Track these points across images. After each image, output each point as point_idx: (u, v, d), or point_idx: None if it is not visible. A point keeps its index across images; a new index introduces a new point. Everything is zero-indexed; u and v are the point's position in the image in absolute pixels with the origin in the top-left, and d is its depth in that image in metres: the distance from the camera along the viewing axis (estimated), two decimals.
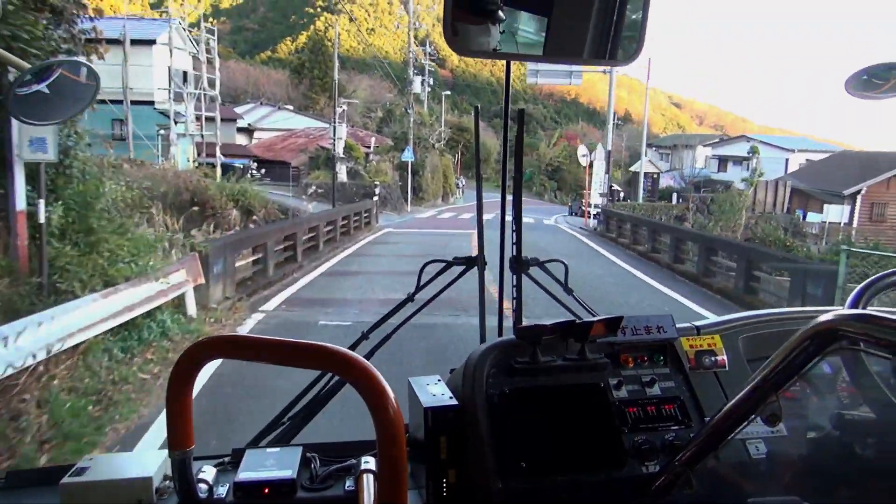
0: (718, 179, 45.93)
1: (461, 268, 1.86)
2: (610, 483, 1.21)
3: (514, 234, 1.78)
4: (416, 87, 34.04)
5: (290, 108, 55.86)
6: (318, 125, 44.81)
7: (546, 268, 1.82)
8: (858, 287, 1.30)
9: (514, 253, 1.78)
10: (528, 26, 1.40)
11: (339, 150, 26.56)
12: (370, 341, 1.75)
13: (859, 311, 1.03)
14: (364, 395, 0.82)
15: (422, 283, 1.84)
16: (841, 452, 1.19)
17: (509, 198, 1.84)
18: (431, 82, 45.20)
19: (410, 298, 1.83)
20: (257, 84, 70.07)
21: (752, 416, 0.97)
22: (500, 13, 1.34)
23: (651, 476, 1.19)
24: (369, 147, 37.50)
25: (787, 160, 42.56)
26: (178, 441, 0.99)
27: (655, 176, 47.29)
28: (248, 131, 48.39)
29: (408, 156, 31.38)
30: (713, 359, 1.42)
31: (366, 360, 0.85)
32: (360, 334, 1.80)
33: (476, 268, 1.85)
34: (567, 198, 63.90)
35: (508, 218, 1.81)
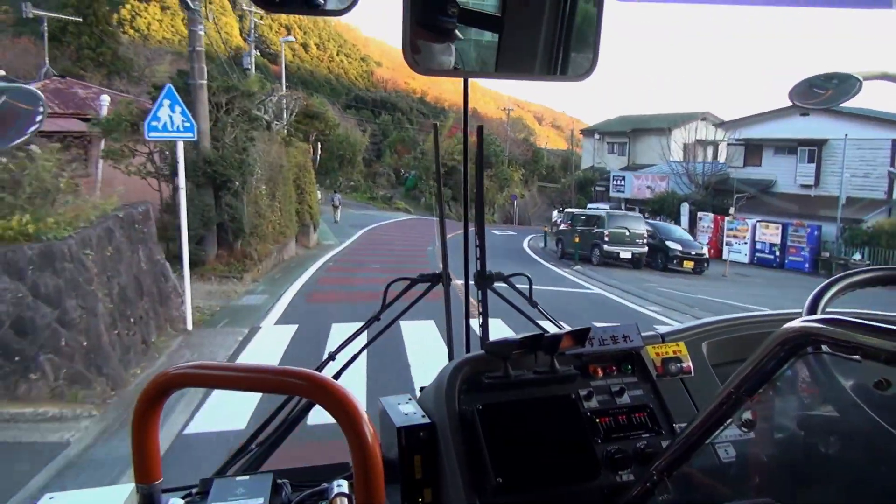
0: (750, 179, 26.56)
1: (426, 285, 1.86)
2: (584, 494, 1.17)
3: (478, 248, 1.79)
4: None
5: (2, 72, 28.42)
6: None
7: (511, 282, 1.83)
8: (815, 290, 1.23)
9: (479, 268, 1.79)
10: (480, 44, 1.36)
11: None
12: (337, 362, 1.71)
13: (827, 315, 0.98)
14: (337, 417, 0.78)
15: (387, 302, 1.83)
16: (806, 452, 1.13)
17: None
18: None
19: (376, 317, 1.82)
20: None
21: (728, 422, 0.94)
22: (457, 32, 1.28)
23: (624, 485, 1.16)
24: (88, 116, 13.01)
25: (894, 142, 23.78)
26: (144, 474, 0.92)
27: None
28: None
29: (174, 129, 7.40)
30: (679, 365, 1.38)
31: (336, 382, 0.82)
32: (326, 356, 1.75)
33: (441, 284, 1.85)
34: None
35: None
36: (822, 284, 1.23)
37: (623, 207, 32.88)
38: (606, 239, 18.66)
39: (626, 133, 36.49)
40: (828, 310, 1.21)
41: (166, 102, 8.03)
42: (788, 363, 0.84)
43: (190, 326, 8.48)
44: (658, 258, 19.41)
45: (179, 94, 8.53)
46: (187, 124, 8.30)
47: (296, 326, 8.80)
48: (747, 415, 0.99)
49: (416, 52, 1.24)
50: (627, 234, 18.89)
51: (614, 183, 32.84)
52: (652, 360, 1.37)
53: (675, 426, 1.26)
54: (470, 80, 1.56)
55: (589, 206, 33.99)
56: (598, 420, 1.25)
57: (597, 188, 36.71)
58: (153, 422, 0.90)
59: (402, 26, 1.19)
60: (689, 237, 20.92)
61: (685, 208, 26.17)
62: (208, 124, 11.55)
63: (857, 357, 0.75)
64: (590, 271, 17.35)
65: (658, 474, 1.01)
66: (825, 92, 1.91)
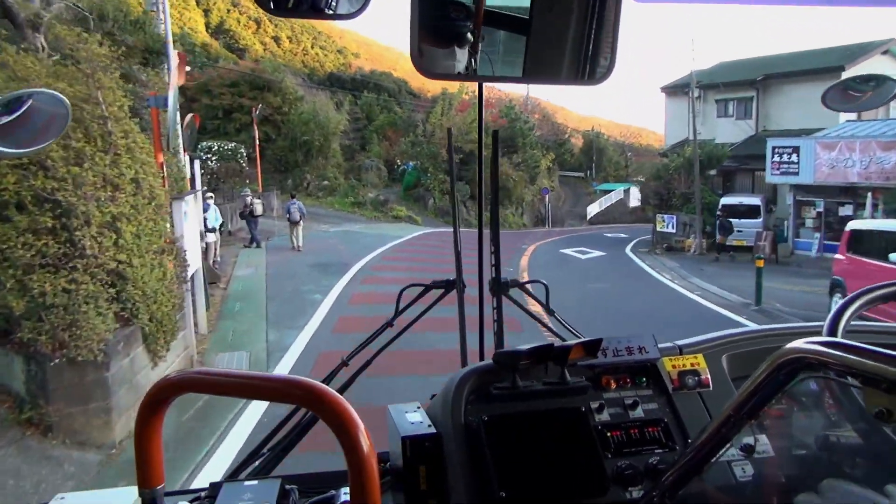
0: None
1: (440, 291, 1.77)
2: None
3: (493, 255, 1.70)
4: None
5: None
6: None
7: (527, 289, 1.77)
8: (836, 307, 1.14)
9: (494, 275, 1.70)
10: (505, 48, 1.27)
11: None
12: (351, 367, 1.65)
13: (826, 338, 0.94)
14: (334, 430, 0.75)
15: (401, 308, 1.76)
16: (828, 473, 1.04)
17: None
18: None
19: (390, 324, 1.76)
20: None
21: (729, 445, 0.90)
22: (469, 35, 1.20)
23: (634, 502, 1.10)
24: None
25: None
26: (147, 479, 0.90)
27: None
28: None
29: None
30: (697, 378, 1.29)
31: (336, 393, 0.78)
32: (340, 361, 1.66)
33: (455, 291, 1.76)
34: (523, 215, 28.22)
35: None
36: (844, 301, 1.15)
37: (792, 201, 19.06)
38: None
39: (753, 83, 22.43)
40: (852, 323, 1.13)
41: None
42: (788, 386, 0.79)
43: None
44: None
45: None
46: None
47: None
48: (748, 439, 0.98)
49: (425, 55, 1.17)
50: None
51: (776, 160, 18.74)
52: (668, 373, 1.30)
53: (689, 442, 1.17)
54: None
55: (723, 200, 20.18)
56: (608, 434, 1.18)
57: (710, 174, 22.59)
58: (156, 427, 0.88)
59: (409, 29, 1.13)
60: None
61: None
62: None
63: (857, 383, 0.70)
64: None
65: (664, 491, 0.97)
66: (862, 95, 1.83)
